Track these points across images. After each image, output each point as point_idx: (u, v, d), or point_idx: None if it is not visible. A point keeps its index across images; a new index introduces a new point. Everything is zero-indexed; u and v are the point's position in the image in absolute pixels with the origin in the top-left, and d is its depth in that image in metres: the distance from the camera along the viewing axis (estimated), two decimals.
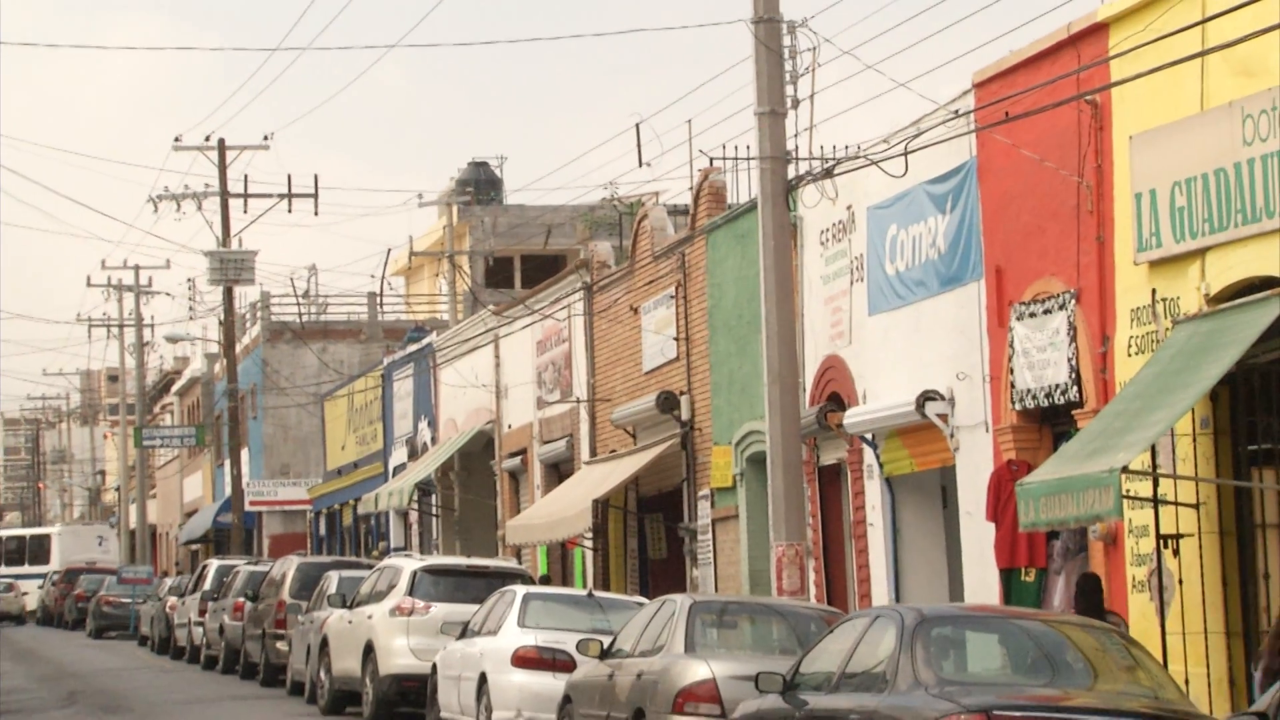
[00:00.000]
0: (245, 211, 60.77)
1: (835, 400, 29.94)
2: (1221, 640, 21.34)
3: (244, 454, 64.80)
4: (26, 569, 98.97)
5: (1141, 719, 15.72)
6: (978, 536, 25.75)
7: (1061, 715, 15.82)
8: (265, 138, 68.27)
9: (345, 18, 76.44)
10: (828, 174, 28.81)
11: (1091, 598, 20.85)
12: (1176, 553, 21.89)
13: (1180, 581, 21.85)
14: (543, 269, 61.25)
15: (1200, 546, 21.76)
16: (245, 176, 61.56)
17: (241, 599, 43.83)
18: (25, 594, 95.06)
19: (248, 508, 65.74)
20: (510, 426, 47.95)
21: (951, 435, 26.69)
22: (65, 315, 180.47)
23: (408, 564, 34.56)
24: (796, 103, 26.22)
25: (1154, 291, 22.14)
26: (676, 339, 36.79)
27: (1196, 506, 21.81)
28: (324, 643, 33.96)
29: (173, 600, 54.42)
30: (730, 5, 29.55)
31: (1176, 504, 21.80)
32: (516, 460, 47.69)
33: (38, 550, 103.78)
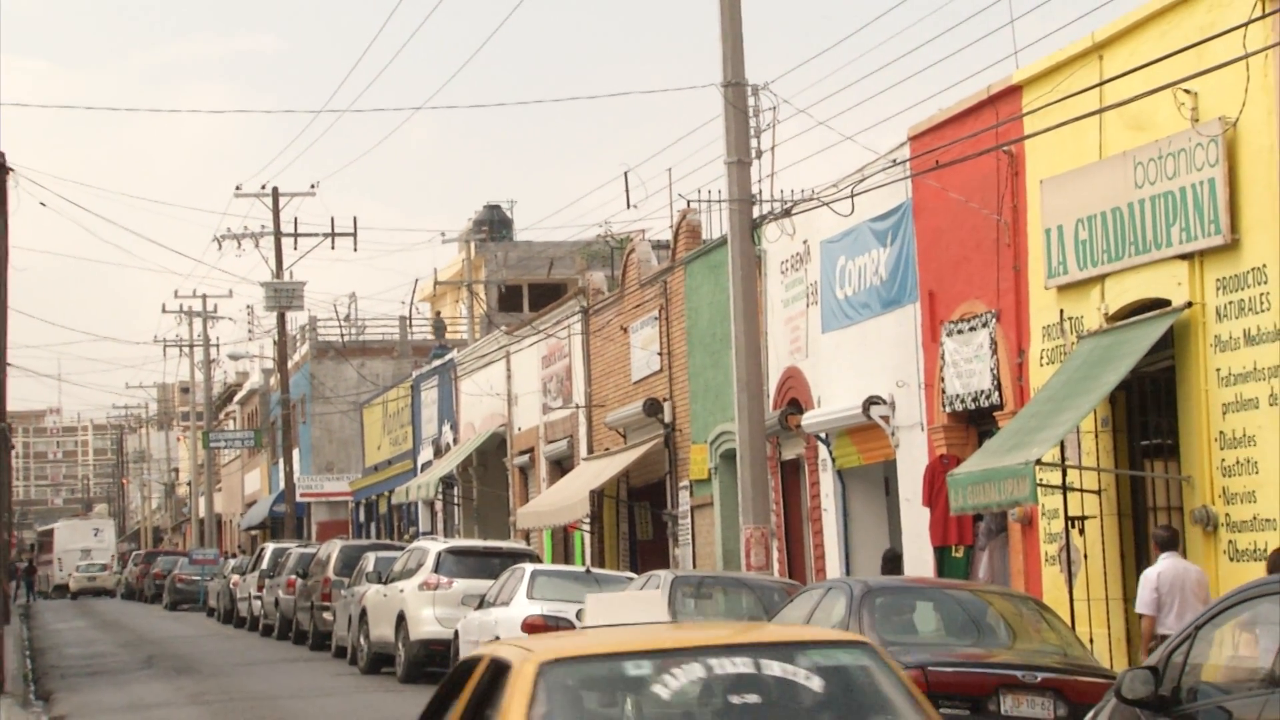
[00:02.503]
0: (295, 248, 60.53)
1: (794, 405, 29.93)
2: (1120, 606, 21.37)
3: (295, 453, 64.59)
4: (42, 556, 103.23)
5: (1051, 672, 15.76)
6: (915, 519, 25.78)
7: (985, 670, 15.86)
8: (312, 186, 68.16)
9: (380, 83, 77.12)
10: (786, 213, 28.83)
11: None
12: (1082, 532, 21.99)
13: (1085, 556, 21.90)
14: (547, 296, 61.09)
15: (1102, 527, 21.81)
16: (295, 219, 61.32)
17: (293, 576, 43.66)
18: (119, 573, 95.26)
19: (298, 499, 65.55)
20: (520, 429, 47.85)
21: (892, 434, 26.66)
22: (144, 337, 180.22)
23: (433, 546, 34.49)
24: (760, 153, 26.20)
25: (1061, 311, 22.21)
26: (660, 354, 36.72)
27: (1098, 493, 21.92)
28: (363, 613, 33.88)
29: (235, 577, 54.21)
30: (704, 71, 29.76)
31: (1082, 491, 21.89)
32: (525, 457, 47.61)
33: (46, 541, 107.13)
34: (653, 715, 9.41)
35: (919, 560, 25.75)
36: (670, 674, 9.38)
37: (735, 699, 9.37)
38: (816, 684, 9.46)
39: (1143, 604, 18.72)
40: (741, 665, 9.50)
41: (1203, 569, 19.81)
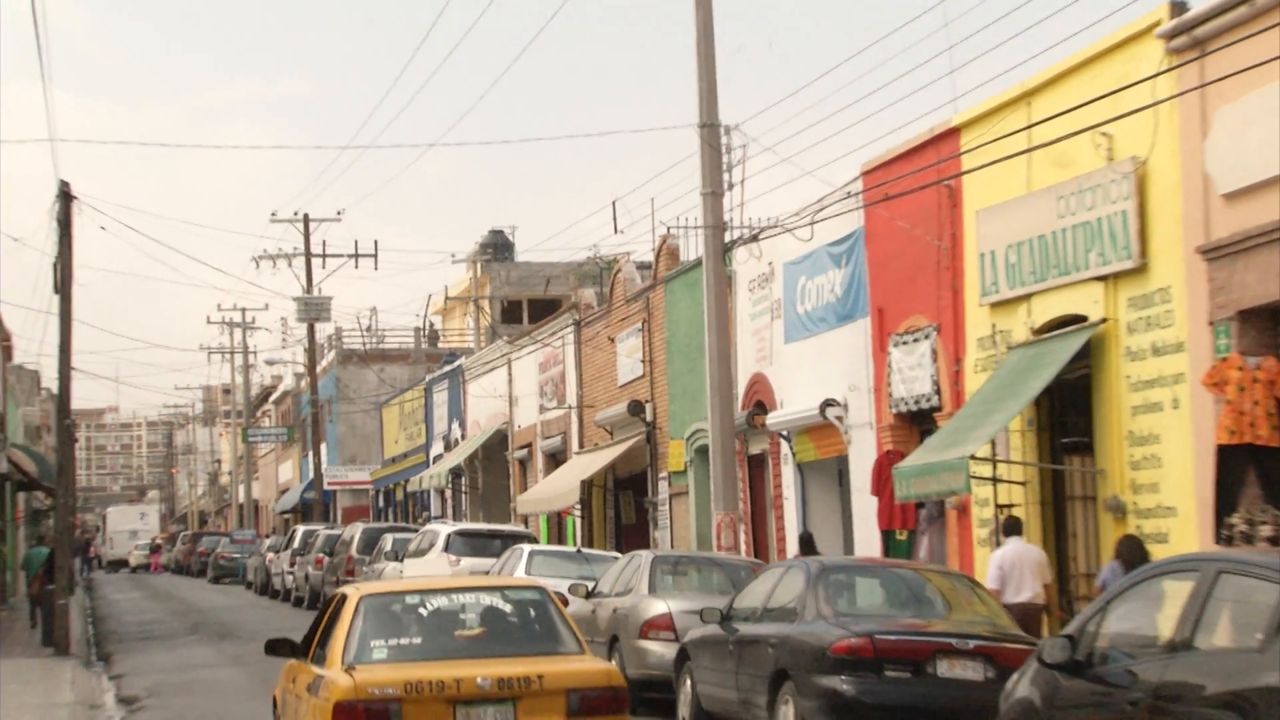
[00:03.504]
0: (323, 268, 60.79)
1: (760, 406, 29.98)
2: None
3: (323, 447, 64.57)
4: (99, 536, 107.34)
5: (982, 640, 15.78)
6: (864, 507, 25.85)
7: (923, 638, 15.90)
8: (339, 212, 68.74)
9: (399, 121, 77.07)
10: (754, 239, 28.91)
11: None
12: (1007, 514, 21.95)
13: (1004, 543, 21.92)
14: (544, 310, 61.17)
15: (1026, 513, 21.83)
16: (324, 242, 61.42)
17: (321, 554, 43.67)
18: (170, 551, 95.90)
19: (326, 487, 65.57)
20: (519, 426, 47.84)
21: (845, 432, 26.72)
22: (191, 345, 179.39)
23: (444, 528, 34.53)
24: (731, 185, 26.23)
25: (993, 326, 22.27)
26: (643, 361, 36.81)
27: (1024, 484, 22.00)
28: None
29: (270, 555, 54.16)
30: (684, 112, 29.78)
31: (1010, 482, 21.96)
32: (524, 451, 47.60)
33: (101, 523, 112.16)
34: (415, 621, 14.03)
35: (867, 542, 25.87)
36: (427, 601, 14.20)
37: (463, 615, 14.21)
38: (508, 607, 14.33)
39: (990, 580, 19.47)
40: (469, 597, 14.48)
41: (1042, 550, 20.63)
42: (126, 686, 25.28)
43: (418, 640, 13.82)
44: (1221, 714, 10.15)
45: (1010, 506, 21.86)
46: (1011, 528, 20.53)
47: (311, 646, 14.52)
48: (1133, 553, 18.37)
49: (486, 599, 14.39)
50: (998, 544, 20.64)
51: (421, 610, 14.10)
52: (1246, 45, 16.96)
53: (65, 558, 32.91)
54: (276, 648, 15.41)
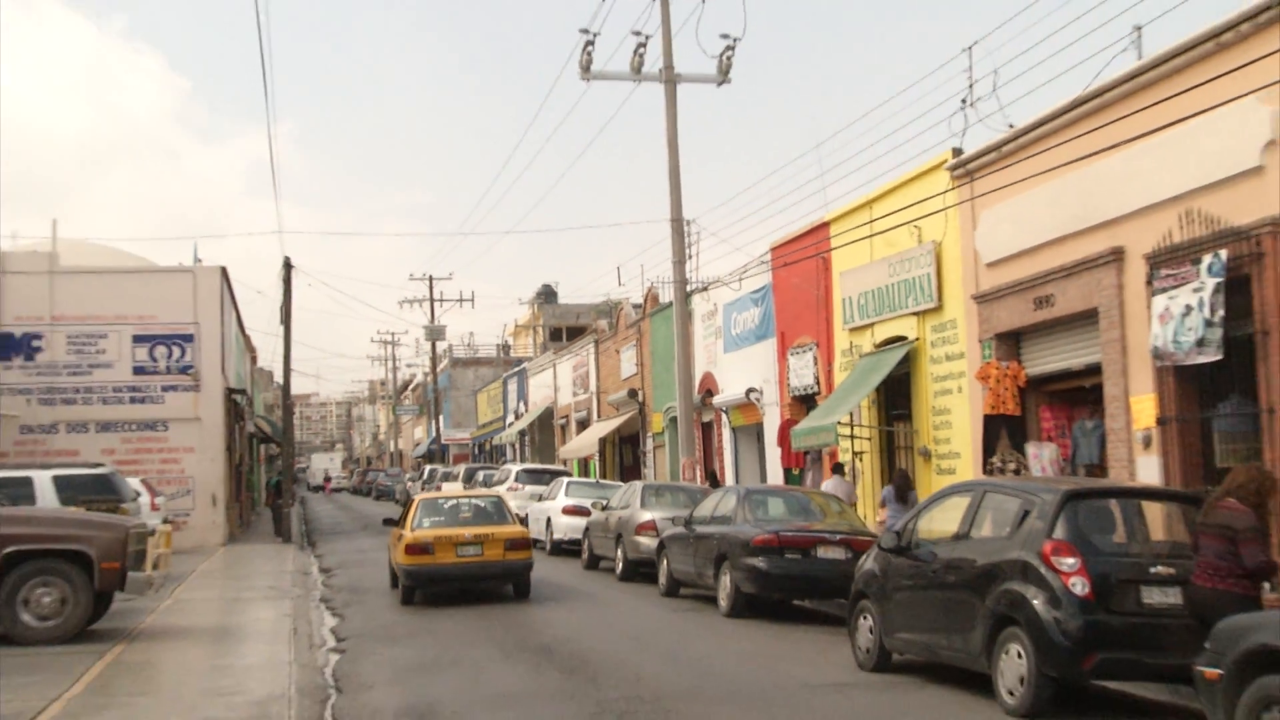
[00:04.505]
0: (441, 307, 60.32)
1: (709, 392, 29.94)
2: (875, 499, 21.39)
3: (440, 417, 64.44)
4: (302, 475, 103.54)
5: (844, 534, 15.80)
6: (773, 455, 25.83)
7: (809, 534, 15.81)
8: (449, 274, 69.04)
9: (488, 216, 76.82)
10: (704, 289, 28.94)
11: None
12: (860, 460, 22.03)
13: (861, 473, 21.94)
14: (576, 333, 61.10)
15: (870, 458, 21.86)
16: (441, 291, 61.77)
17: (440, 482, 43.41)
18: (344, 478, 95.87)
19: (442, 442, 65.34)
20: (560, 405, 47.75)
21: (761, 408, 26.69)
22: (360, 355, 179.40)
23: (514, 467, 34.42)
24: (690, 256, 26.11)
25: (851, 343, 22.27)
26: (637, 365, 36.75)
27: (869, 440, 21.96)
28: None
29: (410, 482, 53.97)
30: (662, 210, 29.90)
31: (860, 438, 21.95)
32: (563, 420, 47.37)
33: (307, 463, 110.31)
34: (442, 510, 18.09)
35: (775, 475, 25.76)
36: (447, 502, 18.45)
37: (462, 507, 18.18)
38: (482, 504, 18.28)
39: None
40: (465, 500, 18.55)
41: (851, 483, 20.67)
42: (324, 561, 25.31)
43: (441, 518, 17.96)
44: (984, 575, 10.28)
45: (860, 454, 21.92)
46: (837, 470, 20.65)
47: (401, 521, 18.75)
48: (901, 480, 18.56)
49: (473, 501, 18.64)
50: (891, 478, 20.15)
51: (444, 505, 18.41)
52: (998, 175, 17.11)
53: (288, 484, 32.91)
54: (388, 523, 21.11)
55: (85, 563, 12.85)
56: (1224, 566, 9.05)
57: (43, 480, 19.42)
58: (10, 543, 12.58)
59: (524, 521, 30.70)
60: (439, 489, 33.36)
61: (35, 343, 27.94)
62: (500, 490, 31.80)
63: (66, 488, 19.35)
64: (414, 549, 16.93)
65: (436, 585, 17.17)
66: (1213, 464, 13.65)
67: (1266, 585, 9.34)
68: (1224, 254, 12.92)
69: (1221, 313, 12.95)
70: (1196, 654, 7.91)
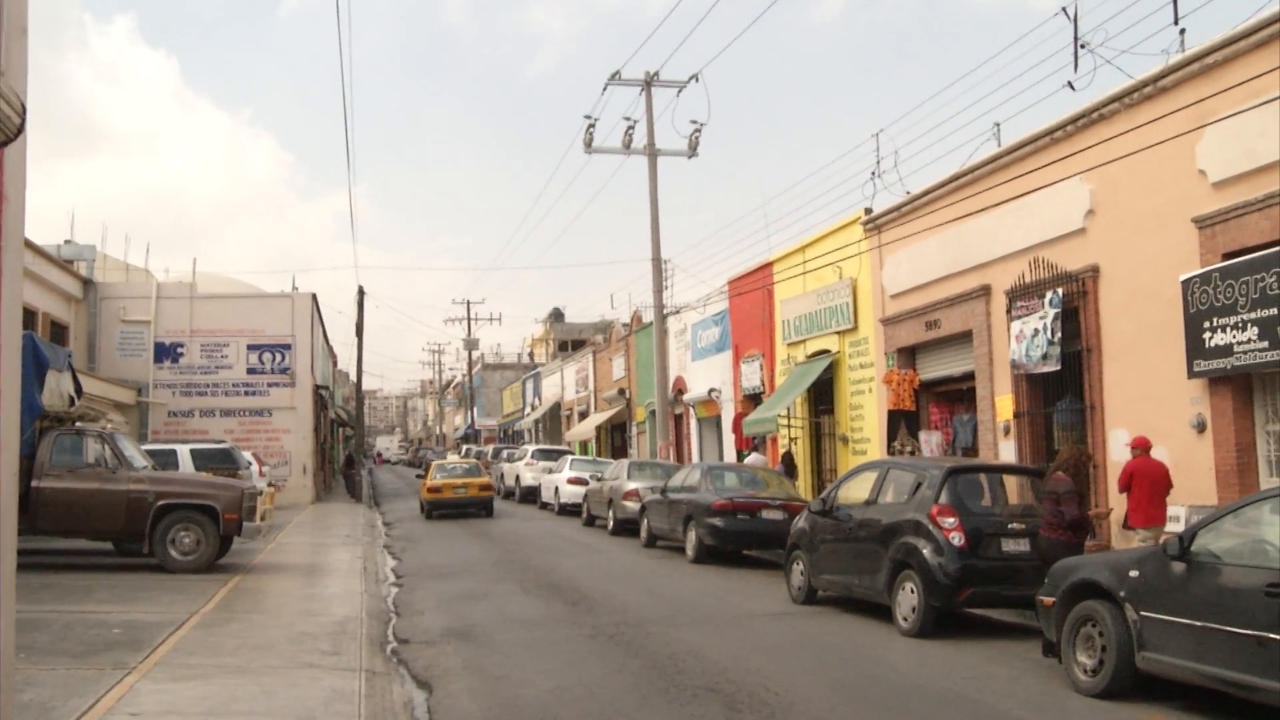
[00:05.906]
0: (476, 324, 60.26)
1: (680, 391, 29.81)
2: (812, 477, 21.35)
3: (474, 408, 64.28)
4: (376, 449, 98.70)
5: (782, 500, 15.62)
6: (729, 439, 25.60)
7: (756, 500, 15.58)
8: (482, 299, 68.18)
9: (514, 254, 76.49)
10: (677, 313, 28.89)
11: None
12: (795, 444, 21.89)
13: (794, 457, 21.39)
14: (579, 346, 61.11)
15: (801, 444, 21.70)
16: (475, 314, 61.05)
17: (473, 457, 43.13)
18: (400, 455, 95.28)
19: (475, 427, 65.17)
20: (565, 399, 47.61)
21: (720, 404, 26.57)
22: (413, 360, 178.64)
23: (530, 447, 33.88)
24: (666, 286, 26.09)
25: (789, 354, 22.16)
26: (625, 370, 36.72)
27: (802, 429, 21.80)
28: (501, 475, 33.38)
29: (453, 457, 53.62)
30: (644, 251, 29.96)
31: (794, 428, 21.80)
32: (569, 411, 47.00)
33: (374, 442, 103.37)
34: (448, 470, 22.79)
35: (730, 456, 25.54)
36: (450, 465, 22.62)
37: (460, 469, 22.54)
38: (468, 465, 21.26)
39: None
40: (459, 464, 22.33)
41: (766, 458, 20.26)
42: (386, 517, 25.21)
43: (444, 474, 23.30)
44: (887, 531, 10.45)
45: (794, 440, 21.70)
46: (756, 448, 20.56)
47: (425, 474, 23.23)
48: (788, 461, 18.55)
49: (465, 464, 24.25)
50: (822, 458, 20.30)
51: (449, 467, 23.64)
52: (899, 228, 17.35)
53: (359, 457, 33.00)
54: (419, 476, 25.45)
55: (213, 514, 13.18)
56: (1055, 521, 9.47)
57: (183, 452, 20.10)
58: (163, 498, 13.06)
59: (533, 488, 30.69)
60: (444, 458, 33.86)
61: (179, 350, 28.51)
62: (519, 465, 31.70)
63: (199, 458, 19.97)
64: (431, 490, 23.82)
65: (442, 509, 23.70)
66: (1053, 447, 13.97)
67: (1090, 535, 9.77)
68: (1060, 291, 13.45)
69: (1059, 334, 13.50)
70: (1038, 587, 8.24)
